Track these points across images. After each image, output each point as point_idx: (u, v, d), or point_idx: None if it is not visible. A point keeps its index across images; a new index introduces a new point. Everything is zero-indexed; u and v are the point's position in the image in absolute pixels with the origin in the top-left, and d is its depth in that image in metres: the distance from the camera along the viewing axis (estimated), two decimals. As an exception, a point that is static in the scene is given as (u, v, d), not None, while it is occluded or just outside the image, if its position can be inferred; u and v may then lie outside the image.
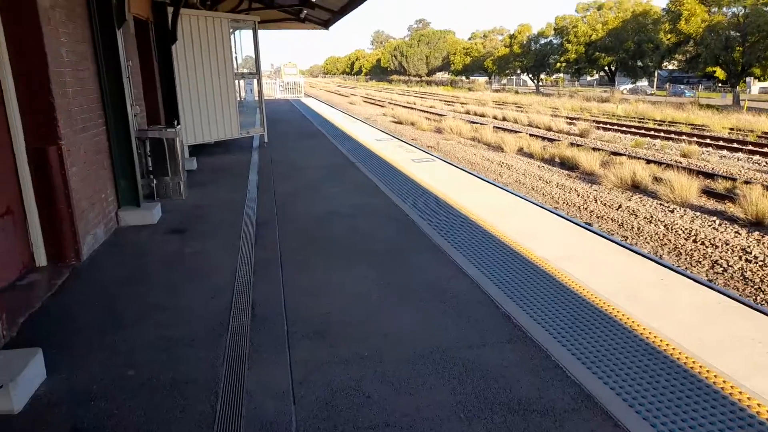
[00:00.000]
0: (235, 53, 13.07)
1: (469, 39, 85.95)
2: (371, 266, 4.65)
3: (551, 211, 6.40)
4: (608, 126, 23.19)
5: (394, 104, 40.19)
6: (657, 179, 11.60)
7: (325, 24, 21.05)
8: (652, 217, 9.37)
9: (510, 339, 3.38)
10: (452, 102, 42.21)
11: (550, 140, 19.07)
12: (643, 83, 53.68)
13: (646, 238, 8.41)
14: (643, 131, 21.04)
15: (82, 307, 3.92)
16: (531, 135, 20.09)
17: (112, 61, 5.75)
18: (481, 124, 24.49)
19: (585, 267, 4.55)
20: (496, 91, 62.90)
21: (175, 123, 7.41)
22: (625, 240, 8.27)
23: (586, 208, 10.16)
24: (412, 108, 36.29)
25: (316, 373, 3.04)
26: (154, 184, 7.17)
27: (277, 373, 3.04)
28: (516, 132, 21.32)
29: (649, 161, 14.12)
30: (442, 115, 30.15)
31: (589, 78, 66.67)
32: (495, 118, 28.53)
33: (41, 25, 4.30)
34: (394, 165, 9.59)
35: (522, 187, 12.02)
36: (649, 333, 3.42)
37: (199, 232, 5.78)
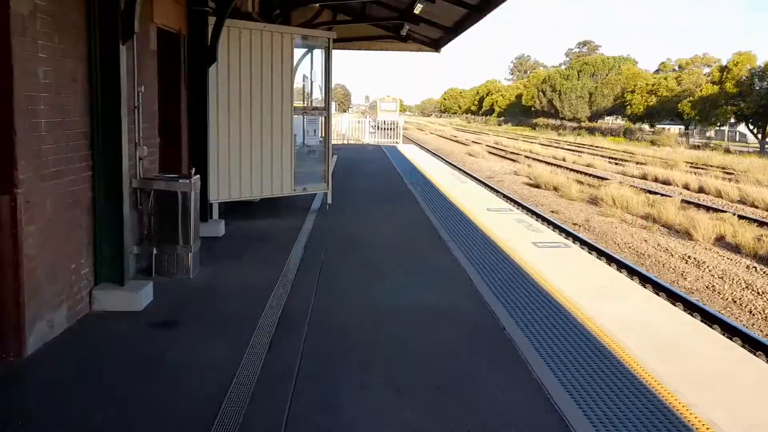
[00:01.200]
0: (314, 79, 13.72)
1: (657, 71, 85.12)
2: (416, 414, 4.38)
3: (758, 341, 5.78)
4: None
5: (533, 159, 40.16)
6: None
7: (436, 44, 21.90)
8: None
9: None
10: (622, 161, 41.35)
11: (772, 227, 17.86)
12: None
13: None
14: None
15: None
16: (740, 217, 18.96)
17: (111, 85, 6.19)
18: (662, 195, 23.62)
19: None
20: (695, 147, 60.97)
21: (193, 171, 7.74)
22: None
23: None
24: (559, 166, 35.98)
25: None
26: (155, 254, 7.45)
27: None
28: (717, 211, 20.30)
29: None
30: (603, 178, 29.53)
31: None
32: (686, 187, 27.45)
33: (11, 37, 4.72)
34: (503, 249, 9.32)
35: (715, 298, 11.18)
36: None
37: (194, 329, 5.85)
